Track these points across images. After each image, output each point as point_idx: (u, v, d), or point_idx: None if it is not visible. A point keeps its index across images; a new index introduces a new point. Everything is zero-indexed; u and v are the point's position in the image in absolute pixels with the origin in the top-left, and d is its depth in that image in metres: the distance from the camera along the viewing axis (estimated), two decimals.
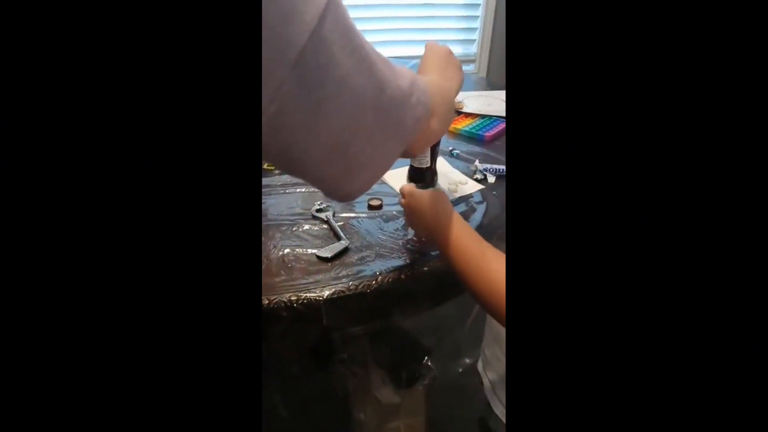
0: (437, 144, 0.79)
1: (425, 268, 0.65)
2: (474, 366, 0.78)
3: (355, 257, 0.66)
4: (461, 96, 1.19)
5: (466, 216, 0.76)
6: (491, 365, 0.72)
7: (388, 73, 0.36)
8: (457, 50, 1.90)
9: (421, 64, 0.57)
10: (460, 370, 1.05)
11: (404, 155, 0.47)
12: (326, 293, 0.59)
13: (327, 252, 0.65)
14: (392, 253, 0.67)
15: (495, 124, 1.07)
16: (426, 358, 0.90)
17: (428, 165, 0.80)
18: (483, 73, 1.96)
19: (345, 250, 0.67)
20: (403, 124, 0.40)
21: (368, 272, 0.63)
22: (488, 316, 0.71)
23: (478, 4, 1.90)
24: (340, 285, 0.60)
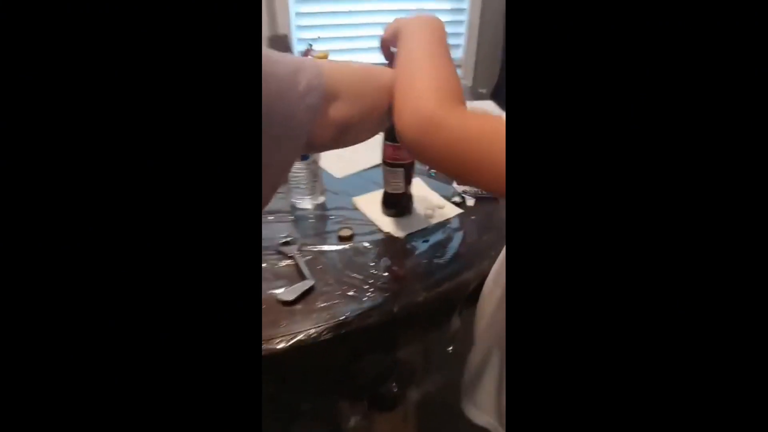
0: (411, 166, 0.74)
1: (395, 309, 0.61)
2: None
3: (321, 299, 0.61)
4: None
5: (442, 244, 0.71)
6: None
7: (266, 67, 0.32)
8: None
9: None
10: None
11: (314, 149, 0.42)
12: (284, 345, 0.54)
13: (289, 294, 0.60)
14: (363, 293, 0.62)
15: None
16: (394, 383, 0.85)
17: (402, 190, 0.75)
18: (469, 81, 1.92)
19: (310, 291, 0.62)
20: (294, 118, 0.36)
21: (336, 315, 0.58)
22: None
23: (464, 9, 1.86)
24: (301, 334, 0.56)
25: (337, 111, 0.41)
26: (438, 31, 0.49)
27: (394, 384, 0.84)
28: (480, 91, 1.81)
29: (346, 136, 0.45)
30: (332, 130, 0.42)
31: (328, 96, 0.39)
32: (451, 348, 0.78)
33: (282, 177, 0.38)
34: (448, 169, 0.41)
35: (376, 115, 0.46)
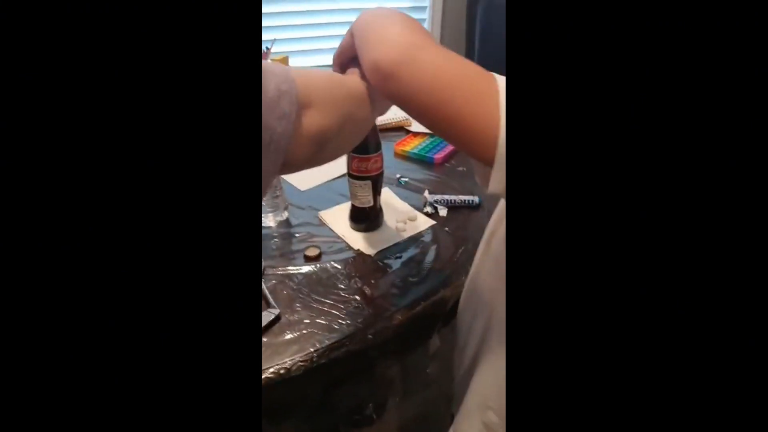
0: (379, 178, 0.70)
1: (370, 335, 0.56)
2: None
3: (289, 330, 0.56)
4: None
5: (416, 260, 0.67)
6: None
7: None
8: None
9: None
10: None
11: (291, 168, 0.38)
12: None
13: None
14: (334, 320, 0.57)
15: (444, 143, 0.98)
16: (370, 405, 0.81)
17: (371, 204, 0.71)
18: None
19: (275, 321, 0.57)
20: (267, 128, 0.31)
21: (306, 348, 0.53)
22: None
23: (425, 7, 1.83)
24: (269, 371, 0.51)
25: (313, 121, 0.36)
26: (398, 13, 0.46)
27: (370, 406, 0.80)
28: None
29: (323, 152, 0.40)
30: (309, 145, 0.37)
31: (301, 103, 0.35)
32: (429, 369, 0.75)
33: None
34: (420, 101, 0.37)
35: (351, 127, 0.42)
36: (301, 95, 0.34)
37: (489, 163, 0.34)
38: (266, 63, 0.34)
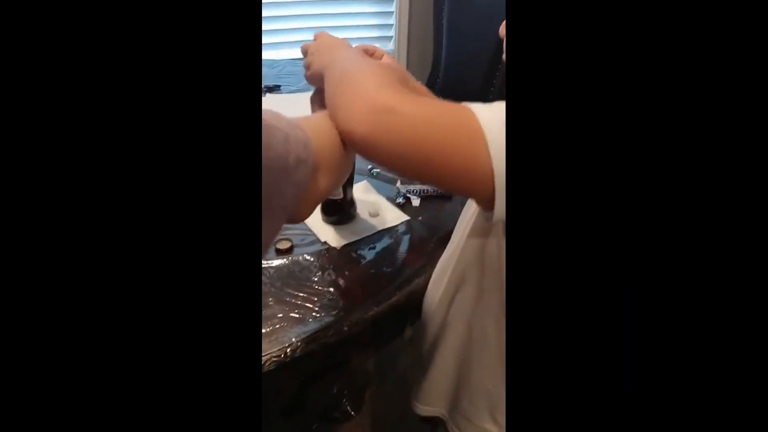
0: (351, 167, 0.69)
1: (345, 328, 0.55)
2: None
3: (261, 324, 0.54)
4: None
5: (390, 251, 0.67)
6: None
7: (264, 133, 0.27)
8: None
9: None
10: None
11: (292, 222, 0.36)
12: None
13: None
14: (308, 313, 0.56)
15: None
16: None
17: (341, 196, 0.70)
18: None
19: None
20: (282, 195, 0.30)
21: (279, 343, 0.52)
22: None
23: (391, 12, 1.81)
24: None
25: (320, 184, 0.36)
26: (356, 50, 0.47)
27: (345, 401, 0.79)
28: None
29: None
30: (314, 205, 0.38)
31: (314, 169, 0.34)
32: (402, 361, 0.74)
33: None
34: (406, 161, 0.36)
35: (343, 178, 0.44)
36: (314, 161, 0.33)
37: (490, 196, 0.33)
38: (287, 120, 0.32)
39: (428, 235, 0.70)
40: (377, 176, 0.84)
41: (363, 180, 0.82)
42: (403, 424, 1.00)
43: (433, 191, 0.77)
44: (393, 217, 0.73)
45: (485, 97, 1.20)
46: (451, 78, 1.50)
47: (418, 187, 0.78)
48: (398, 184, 0.79)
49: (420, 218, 0.73)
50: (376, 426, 1.03)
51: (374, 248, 0.67)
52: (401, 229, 0.71)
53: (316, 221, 0.71)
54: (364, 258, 0.65)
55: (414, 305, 0.62)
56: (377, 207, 0.75)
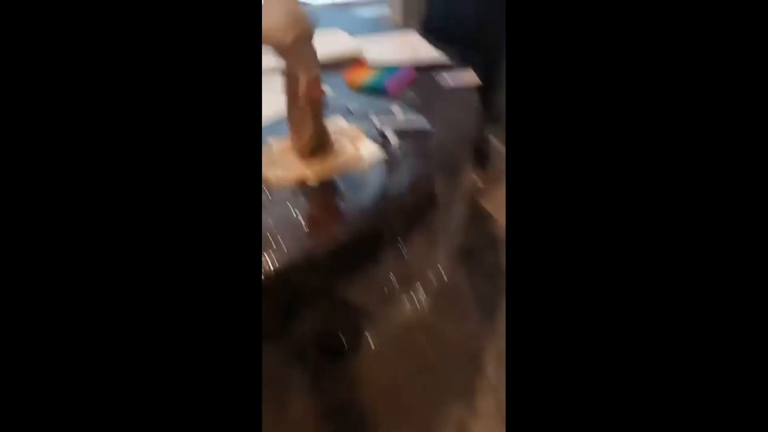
0: (321, 103, 0.68)
1: (328, 251, 0.57)
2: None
3: None
4: (360, 43, 1.07)
5: (366, 184, 0.67)
6: None
7: None
8: None
9: None
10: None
11: None
12: None
13: None
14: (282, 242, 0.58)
15: (398, 72, 0.96)
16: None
17: (316, 127, 0.70)
18: (399, 18, 1.82)
19: None
20: None
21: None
22: None
23: None
24: None
25: None
26: None
27: (341, 335, 0.82)
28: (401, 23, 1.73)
29: None
30: None
31: None
32: (394, 280, 0.75)
33: None
34: None
35: None
36: None
37: None
38: None
39: (407, 170, 0.70)
40: (355, 114, 0.84)
41: (339, 117, 0.82)
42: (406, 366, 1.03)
43: (411, 128, 0.77)
44: (370, 150, 0.73)
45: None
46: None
47: (396, 124, 0.78)
48: (374, 119, 0.78)
49: (398, 155, 0.73)
50: (374, 366, 1.07)
51: (351, 183, 0.68)
52: (380, 164, 0.72)
53: (291, 159, 0.72)
54: (341, 191, 0.66)
55: (399, 223, 0.63)
56: (355, 142, 0.75)
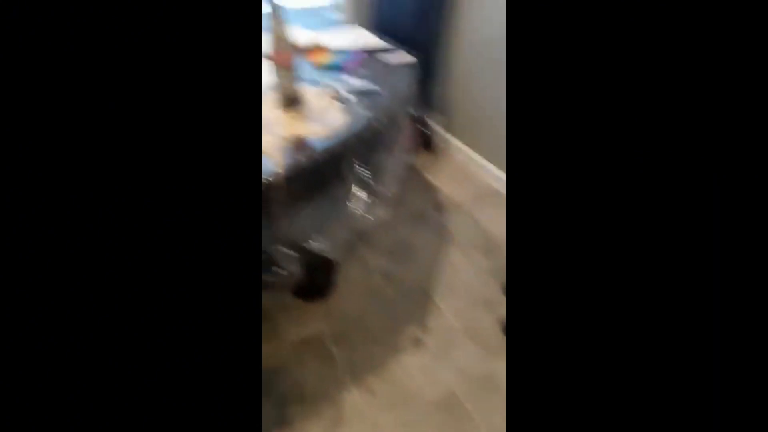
0: (291, 67, 0.94)
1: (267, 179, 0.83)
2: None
3: None
4: (322, 35, 1.35)
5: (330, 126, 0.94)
6: None
7: None
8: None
9: None
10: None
11: None
12: None
13: None
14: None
15: (351, 54, 1.25)
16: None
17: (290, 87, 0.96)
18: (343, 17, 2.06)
19: None
20: None
21: None
22: None
23: None
24: None
25: None
26: None
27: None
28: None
29: None
30: None
31: None
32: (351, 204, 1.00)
33: None
34: None
35: None
36: None
37: None
38: None
39: (359, 116, 0.98)
40: (320, 83, 1.11)
41: (309, 86, 1.09)
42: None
43: (360, 89, 1.05)
44: (332, 113, 1.01)
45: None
46: None
47: (352, 81, 1.05)
48: (333, 84, 1.06)
49: (352, 106, 1.01)
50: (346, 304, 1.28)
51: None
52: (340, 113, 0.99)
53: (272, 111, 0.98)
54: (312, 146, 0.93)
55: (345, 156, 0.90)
56: (321, 99, 1.02)
